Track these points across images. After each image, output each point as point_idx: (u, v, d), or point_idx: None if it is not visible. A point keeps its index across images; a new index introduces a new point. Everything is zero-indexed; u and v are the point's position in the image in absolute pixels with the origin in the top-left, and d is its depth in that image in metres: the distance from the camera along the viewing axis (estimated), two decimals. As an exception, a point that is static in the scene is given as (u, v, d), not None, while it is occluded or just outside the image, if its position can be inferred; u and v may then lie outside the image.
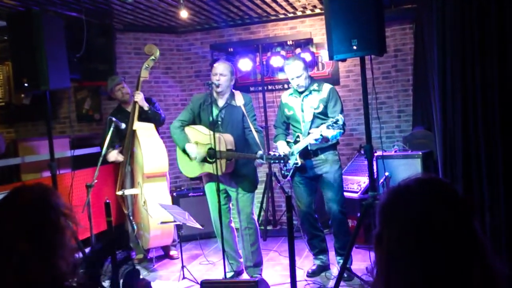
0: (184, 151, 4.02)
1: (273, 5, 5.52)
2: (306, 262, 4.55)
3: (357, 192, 4.84)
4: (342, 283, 3.69)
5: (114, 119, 4.49)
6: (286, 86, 6.03)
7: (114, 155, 4.74)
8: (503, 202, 3.23)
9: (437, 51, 3.58)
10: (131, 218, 4.63)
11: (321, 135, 3.79)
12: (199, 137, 3.98)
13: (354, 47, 3.34)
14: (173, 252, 5.03)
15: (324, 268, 4.29)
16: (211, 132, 3.73)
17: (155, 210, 4.37)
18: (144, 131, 4.65)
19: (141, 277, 4.01)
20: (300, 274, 4.14)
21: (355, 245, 4.57)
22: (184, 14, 5.21)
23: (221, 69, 3.98)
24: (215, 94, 4.01)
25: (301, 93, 4.10)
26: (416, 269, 1.03)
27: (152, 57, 4.72)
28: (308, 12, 5.94)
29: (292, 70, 4.01)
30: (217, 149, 3.75)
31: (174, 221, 4.01)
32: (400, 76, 5.81)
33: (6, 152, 5.31)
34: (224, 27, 6.29)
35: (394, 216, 1.09)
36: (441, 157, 3.67)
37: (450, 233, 1.04)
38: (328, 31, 3.46)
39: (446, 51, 3.50)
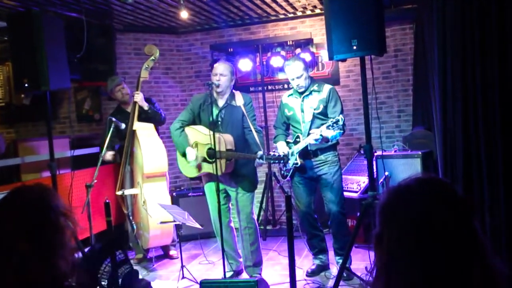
0: (183, 155, 4.02)
1: (273, 5, 5.52)
2: (305, 261, 4.55)
3: (356, 192, 4.84)
4: (341, 282, 3.69)
5: (114, 119, 4.49)
6: (286, 86, 6.04)
7: (107, 155, 4.71)
8: (503, 202, 3.23)
9: (437, 51, 3.58)
10: (130, 218, 4.63)
11: (321, 135, 3.80)
12: (199, 137, 3.99)
13: (354, 47, 3.33)
14: (172, 252, 5.03)
15: (323, 267, 4.29)
16: (211, 132, 3.73)
17: (155, 210, 4.37)
18: (144, 131, 4.65)
19: (140, 277, 4.03)
20: (300, 274, 4.15)
21: (355, 244, 4.57)
22: (184, 14, 5.21)
23: (221, 69, 3.98)
24: (215, 94, 4.01)
25: (301, 93, 4.10)
26: (416, 269, 1.03)
27: (152, 58, 4.72)
28: (308, 12, 5.94)
29: (292, 70, 4.02)
30: (217, 149, 3.75)
31: (174, 221, 4.01)
32: (400, 76, 5.81)
33: (6, 152, 5.32)
34: (224, 27, 6.29)
35: (394, 216, 1.09)
36: (441, 157, 3.68)
37: (450, 233, 1.04)
38: (328, 31, 3.45)
39: (447, 51, 3.50)
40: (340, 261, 3.91)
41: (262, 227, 5.44)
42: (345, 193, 4.49)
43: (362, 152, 5.21)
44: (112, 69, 5.84)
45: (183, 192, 5.68)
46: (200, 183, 5.17)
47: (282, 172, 4.25)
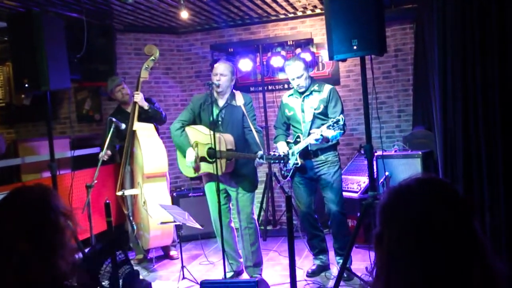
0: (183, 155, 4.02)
1: (274, 5, 5.52)
2: (306, 262, 4.55)
3: (357, 192, 4.84)
4: (342, 283, 3.69)
5: (114, 119, 4.49)
6: (286, 86, 6.04)
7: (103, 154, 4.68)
8: (503, 202, 3.23)
9: (437, 51, 3.58)
10: (131, 218, 4.63)
11: (321, 135, 3.80)
12: (199, 137, 3.99)
13: (355, 47, 3.33)
14: (173, 252, 5.03)
15: (324, 268, 4.29)
16: (211, 132, 3.73)
17: (155, 210, 4.37)
18: (144, 131, 4.65)
19: (140, 277, 4.02)
20: (300, 274, 4.14)
21: (355, 245, 4.57)
22: (184, 14, 5.21)
23: (221, 69, 3.98)
24: (215, 94, 4.01)
25: (301, 93, 4.10)
26: (416, 269, 1.03)
27: (152, 58, 4.72)
28: (309, 12, 5.94)
29: (293, 70, 4.02)
30: (217, 148, 3.75)
31: (174, 221, 4.01)
32: (400, 76, 5.81)
33: (6, 153, 5.32)
34: (224, 27, 6.29)
35: (394, 216, 1.09)
36: (442, 157, 3.67)
37: (450, 233, 1.04)
38: (328, 31, 3.45)
39: (447, 51, 3.50)
40: (341, 261, 3.91)
41: (262, 227, 5.44)
42: (346, 193, 4.49)
43: (362, 152, 5.21)
44: (112, 69, 5.84)
45: (184, 192, 5.68)
46: (201, 183, 5.16)
47: (283, 172, 4.25)
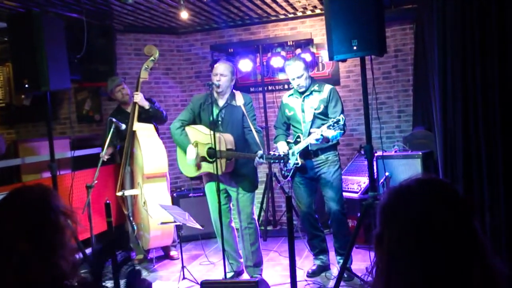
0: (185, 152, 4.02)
1: (273, 5, 5.52)
2: (306, 262, 4.55)
3: (357, 192, 4.83)
4: (342, 283, 3.69)
5: (114, 120, 4.49)
6: (286, 86, 6.04)
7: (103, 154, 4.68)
8: (503, 202, 3.23)
9: (437, 51, 3.58)
10: (131, 218, 4.63)
11: (321, 135, 3.80)
12: (199, 137, 3.99)
13: (354, 48, 3.34)
14: (173, 253, 5.03)
15: (324, 268, 4.29)
16: (211, 132, 3.73)
17: (155, 211, 4.37)
18: (144, 131, 4.65)
19: (142, 277, 4.02)
20: (300, 274, 4.14)
21: (355, 245, 4.57)
22: (184, 15, 5.21)
23: (221, 69, 3.98)
24: (215, 94, 4.01)
25: (301, 93, 4.10)
26: (416, 269, 1.03)
27: (152, 58, 4.72)
28: (309, 12, 5.94)
29: (293, 70, 4.02)
30: (217, 148, 3.75)
31: (174, 222, 4.01)
32: (400, 76, 5.81)
33: (6, 153, 5.32)
34: (224, 27, 6.29)
35: (395, 217, 1.10)
36: (442, 157, 3.67)
37: (450, 233, 1.04)
38: (328, 31, 3.46)
39: (447, 51, 3.50)
40: (341, 261, 3.91)
41: (262, 227, 5.44)
42: (346, 194, 4.49)
43: (362, 152, 5.21)
44: (112, 69, 5.85)
45: (184, 192, 5.68)
46: (201, 184, 5.16)
47: (283, 172, 4.25)
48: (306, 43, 5.87)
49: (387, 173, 4.63)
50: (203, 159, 3.96)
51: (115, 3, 4.93)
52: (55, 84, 3.86)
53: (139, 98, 4.65)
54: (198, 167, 3.97)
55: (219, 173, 3.77)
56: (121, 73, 5.95)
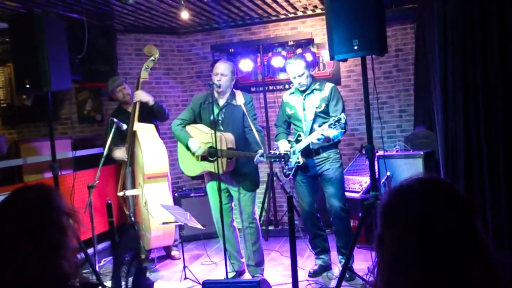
0: (187, 147, 4.02)
1: (274, 5, 5.52)
2: (307, 262, 4.55)
3: (358, 192, 4.83)
4: (344, 283, 3.69)
5: (115, 120, 4.50)
6: (287, 86, 6.03)
7: (117, 154, 4.73)
8: (505, 202, 3.24)
9: (438, 50, 3.59)
10: (132, 218, 4.63)
11: (322, 135, 3.80)
12: (200, 136, 3.99)
13: (355, 47, 3.33)
14: (174, 253, 5.03)
15: (325, 268, 4.28)
16: (212, 131, 3.74)
17: (156, 211, 4.37)
18: (144, 131, 4.66)
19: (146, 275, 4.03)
20: (302, 274, 4.14)
21: (357, 245, 4.56)
22: (185, 15, 5.21)
23: (222, 69, 3.99)
24: (216, 94, 4.02)
25: (303, 92, 4.10)
26: (418, 269, 1.03)
27: (152, 58, 4.73)
28: (309, 12, 5.94)
29: (294, 69, 4.02)
30: (218, 147, 3.76)
31: (176, 222, 4.02)
32: (401, 76, 5.80)
33: (8, 153, 5.33)
34: (225, 27, 6.29)
35: (395, 216, 1.10)
36: (443, 157, 3.68)
37: (451, 232, 1.04)
38: (329, 31, 3.45)
39: (448, 51, 3.50)
40: (343, 260, 3.91)
41: (264, 227, 5.44)
42: (347, 193, 4.49)
43: (363, 152, 5.20)
44: (113, 69, 5.85)
45: (185, 192, 5.69)
46: (202, 184, 5.17)
47: (285, 171, 4.25)
48: (307, 43, 5.87)
49: (388, 173, 4.63)
50: (204, 158, 3.97)
51: (116, 3, 4.93)
52: (56, 85, 3.86)
53: (142, 95, 4.66)
54: (203, 158, 3.96)
55: (220, 172, 3.77)
56: (122, 73, 5.96)
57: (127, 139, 4.67)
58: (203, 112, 4.05)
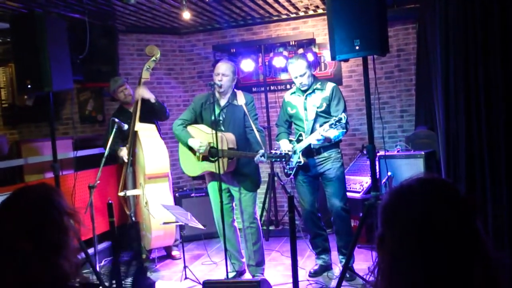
0: (187, 146, 4.02)
1: (276, 5, 5.52)
2: (308, 262, 4.55)
3: (359, 192, 4.83)
4: (344, 283, 3.69)
5: (117, 120, 4.50)
6: (288, 86, 6.03)
7: (122, 154, 4.73)
8: (506, 202, 3.23)
9: (440, 50, 3.58)
10: (133, 218, 4.63)
11: (322, 136, 3.80)
12: (201, 136, 3.99)
13: (357, 47, 3.33)
14: (175, 253, 5.03)
15: (326, 268, 4.28)
16: (213, 131, 3.74)
17: (157, 211, 4.37)
18: (146, 132, 4.66)
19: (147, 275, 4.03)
20: (302, 274, 4.14)
21: (358, 245, 4.56)
22: (186, 15, 5.21)
23: (223, 69, 3.99)
24: (217, 94, 4.02)
25: (304, 91, 4.10)
26: (418, 269, 1.02)
27: (153, 58, 4.73)
28: (311, 12, 5.94)
29: (296, 68, 4.02)
30: (219, 147, 3.76)
31: (176, 222, 4.02)
32: (403, 76, 5.80)
33: (9, 153, 5.33)
34: (227, 28, 6.30)
35: (396, 216, 1.09)
36: (444, 157, 3.67)
37: (452, 233, 1.03)
38: (330, 31, 3.45)
39: (449, 51, 3.50)
40: (344, 260, 3.90)
41: (264, 227, 5.43)
42: (348, 194, 4.48)
43: (364, 152, 5.20)
44: (115, 70, 5.85)
45: (186, 192, 5.69)
46: (203, 184, 5.17)
47: (286, 170, 4.24)
48: (308, 43, 5.87)
49: (389, 173, 4.63)
50: (205, 158, 3.97)
51: (117, 3, 4.93)
52: (58, 85, 3.86)
53: (144, 91, 4.66)
54: (204, 158, 3.97)
55: (221, 172, 3.77)
56: (124, 74, 5.96)
57: (128, 139, 4.67)
58: (204, 112, 4.05)
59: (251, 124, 3.95)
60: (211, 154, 3.92)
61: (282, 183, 5.69)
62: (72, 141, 5.57)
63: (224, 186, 3.91)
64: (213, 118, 3.82)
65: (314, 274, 4.20)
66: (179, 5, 5.07)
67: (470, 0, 3.31)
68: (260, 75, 6.23)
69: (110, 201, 3.68)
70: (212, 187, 4.11)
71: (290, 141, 4.18)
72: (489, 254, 1.04)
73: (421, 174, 1.14)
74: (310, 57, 5.56)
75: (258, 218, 4.18)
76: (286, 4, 5.50)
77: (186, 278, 4.12)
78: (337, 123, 3.70)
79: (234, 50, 6.09)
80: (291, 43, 5.86)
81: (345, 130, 3.88)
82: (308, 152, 4.06)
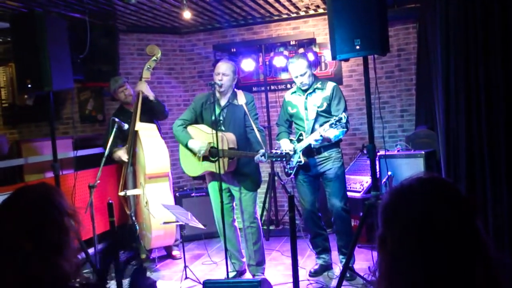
0: (187, 147, 4.02)
1: (276, 5, 5.52)
2: (308, 261, 4.55)
3: (359, 192, 4.83)
4: (344, 282, 3.68)
5: (117, 119, 4.50)
6: (289, 86, 6.03)
7: (119, 154, 4.73)
8: (506, 202, 3.23)
9: (440, 50, 3.58)
10: (133, 218, 4.63)
11: (321, 135, 3.79)
12: (201, 136, 3.99)
13: (357, 47, 3.33)
14: (175, 252, 5.03)
15: (326, 267, 4.28)
16: (214, 131, 3.74)
17: (158, 211, 4.37)
18: (146, 131, 4.66)
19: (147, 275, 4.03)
20: (303, 274, 4.14)
21: (358, 244, 4.56)
22: (187, 14, 5.21)
23: (223, 68, 3.98)
24: (217, 94, 4.02)
25: (304, 91, 4.10)
26: (418, 269, 1.02)
27: (154, 58, 4.73)
28: (311, 12, 5.93)
29: (296, 68, 4.02)
30: (219, 147, 3.76)
31: (177, 222, 4.01)
32: (403, 76, 5.79)
33: (9, 153, 5.33)
34: (227, 27, 6.29)
35: (396, 216, 1.09)
36: (444, 157, 3.67)
37: (452, 232, 1.03)
38: (331, 31, 3.45)
39: (450, 51, 3.50)
40: (344, 260, 3.90)
41: (265, 227, 5.43)
42: (348, 193, 4.48)
43: (365, 151, 5.20)
44: (115, 69, 5.85)
45: (186, 192, 5.69)
46: (203, 184, 5.17)
47: (286, 170, 4.24)
48: (309, 43, 5.87)
49: (389, 173, 4.63)
50: (206, 158, 3.97)
51: (118, 3, 4.93)
52: (58, 84, 3.86)
53: (144, 86, 4.66)
54: (205, 158, 3.97)
55: (222, 172, 3.77)
56: (124, 73, 5.96)
57: (128, 139, 4.67)
58: (205, 112, 4.05)
59: (252, 124, 3.95)
60: (212, 154, 3.92)
61: (282, 183, 5.69)
62: (72, 140, 5.57)
63: (224, 185, 3.91)
64: (213, 118, 3.82)
65: (314, 273, 4.20)
66: (180, 5, 5.07)
67: (471, 0, 3.31)
68: (260, 74, 6.23)
69: (110, 201, 3.67)
70: (212, 187, 4.11)
71: (291, 140, 4.18)
72: (490, 253, 1.04)
73: (421, 174, 1.13)
74: (311, 56, 5.55)
75: (259, 217, 4.18)
76: (286, 3, 5.50)
77: (186, 278, 4.12)
78: (337, 123, 3.70)
79: (234, 50, 6.08)
80: (291, 43, 5.85)
81: (345, 130, 3.87)
82: (309, 151, 4.06)
